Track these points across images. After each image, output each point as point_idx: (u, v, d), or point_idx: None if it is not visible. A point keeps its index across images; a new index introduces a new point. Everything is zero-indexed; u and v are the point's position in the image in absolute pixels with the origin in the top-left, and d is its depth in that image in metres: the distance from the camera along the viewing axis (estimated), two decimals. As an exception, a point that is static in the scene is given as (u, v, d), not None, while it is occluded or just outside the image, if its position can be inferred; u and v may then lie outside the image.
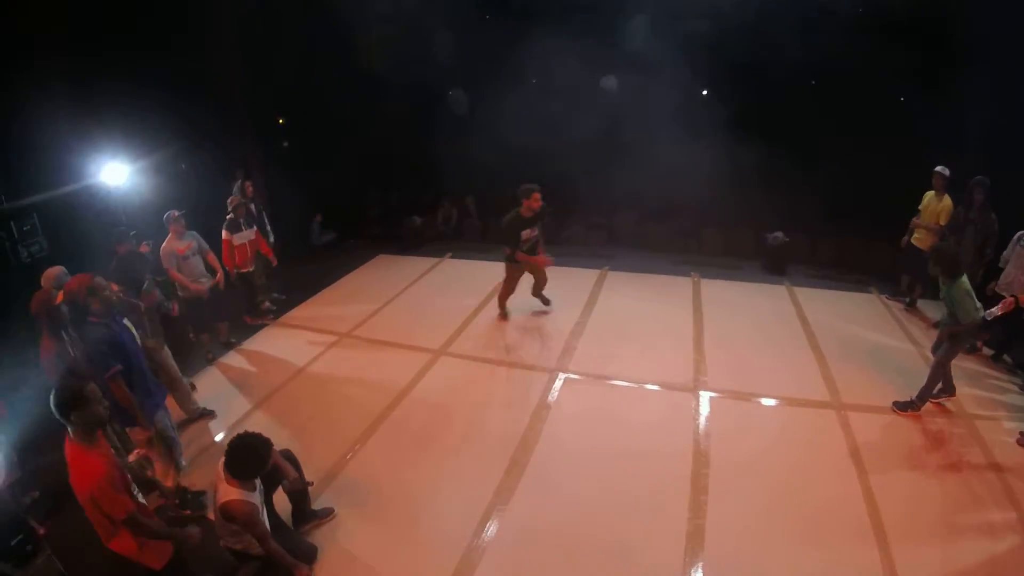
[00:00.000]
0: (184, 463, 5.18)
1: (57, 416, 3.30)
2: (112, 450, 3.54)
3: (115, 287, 5.39)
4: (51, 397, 3.29)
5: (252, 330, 8.20)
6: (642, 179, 10.33)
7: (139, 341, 4.88)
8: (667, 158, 9.78)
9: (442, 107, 12.44)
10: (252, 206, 8.41)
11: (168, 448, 4.93)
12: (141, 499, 3.64)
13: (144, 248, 6.75)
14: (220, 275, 7.31)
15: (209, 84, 9.44)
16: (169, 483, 4.84)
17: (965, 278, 5.66)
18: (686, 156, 9.91)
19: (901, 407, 6.08)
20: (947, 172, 7.90)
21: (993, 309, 5.55)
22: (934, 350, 6.28)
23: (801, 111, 10.74)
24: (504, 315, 8.20)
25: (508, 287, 7.98)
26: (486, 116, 11.16)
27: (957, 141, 8.43)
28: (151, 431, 4.71)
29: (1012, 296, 5.48)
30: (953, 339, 5.82)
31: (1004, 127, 7.97)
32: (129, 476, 3.55)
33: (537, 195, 7.27)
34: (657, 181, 10.46)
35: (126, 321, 4.75)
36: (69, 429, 3.35)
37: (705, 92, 11.72)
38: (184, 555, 3.83)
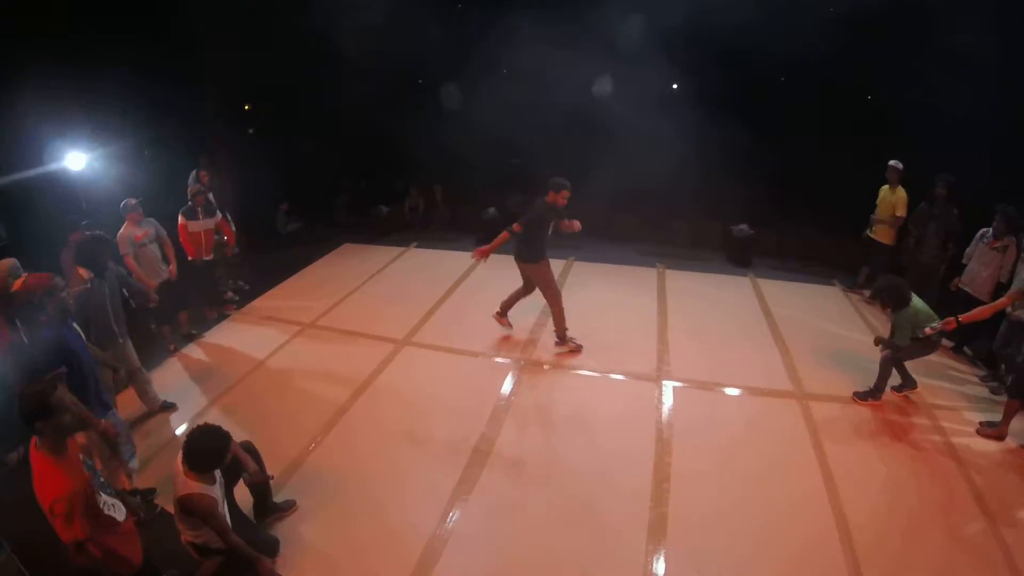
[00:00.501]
0: (135, 464, 5.06)
1: (23, 425, 3.19)
2: (82, 463, 3.42)
3: (83, 272, 5.33)
4: (16, 406, 3.19)
5: (214, 320, 8.08)
6: (610, 170, 10.36)
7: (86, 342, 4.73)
8: (636, 149, 9.83)
9: (411, 96, 12.36)
10: (211, 195, 8.28)
11: (113, 450, 4.78)
12: (111, 512, 3.44)
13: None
14: (173, 267, 7.16)
15: (174, 70, 9.25)
16: (123, 485, 4.75)
17: (912, 305, 5.86)
18: (655, 147, 9.97)
19: (861, 396, 6.24)
20: (900, 166, 8.13)
21: (933, 326, 5.71)
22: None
23: (771, 106, 10.88)
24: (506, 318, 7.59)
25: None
26: (455, 105, 11.13)
27: (922, 138, 8.56)
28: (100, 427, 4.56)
29: (954, 317, 5.63)
30: (890, 347, 6.05)
31: (971, 124, 8.12)
32: (97, 490, 3.43)
33: (567, 193, 6.80)
34: (625, 172, 10.50)
35: (76, 325, 4.64)
36: (36, 437, 3.22)
37: (675, 85, 11.79)
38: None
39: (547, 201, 6.76)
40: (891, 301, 5.92)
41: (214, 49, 9.95)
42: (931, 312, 5.92)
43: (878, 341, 6.18)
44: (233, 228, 8.65)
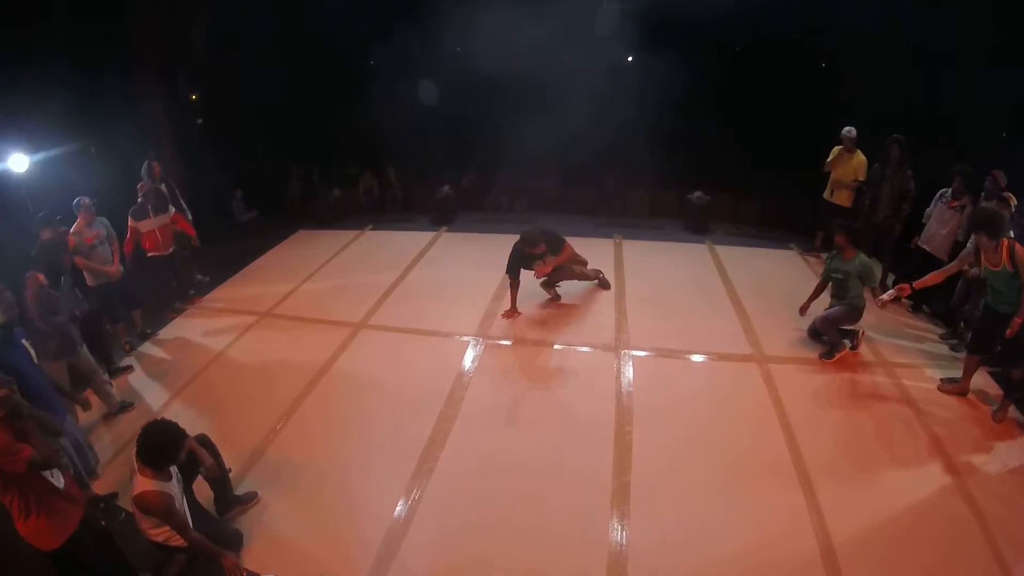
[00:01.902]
0: (99, 472, 5.06)
1: None
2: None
3: (41, 278, 5.25)
4: None
5: (170, 316, 7.99)
6: (565, 143, 10.40)
7: (35, 360, 4.63)
8: (590, 122, 9.88)
9: (361, 78, 12.19)
10: (164, 187, 8.14)
11: (74, 469, 4.69)
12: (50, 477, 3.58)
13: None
14: (115, 267, 6.94)
15: (119, 62, 9.04)
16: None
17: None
18: (609, 119, 10.05)
19: (827, 356, 6.39)
20: (853, 133, 8.24)
21: (885, 296, 5.89)
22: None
23: (726, 74, 10.97)
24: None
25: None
26: (406, 85, 11.03)
27: (876, 105, 8.77)
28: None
29: (908, 284, 5.83)
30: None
31: (928, 86, 8.31)
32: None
33: (538, 249, 7.03)
34: (580, 145, 10.56)
35: (25, 342, 4.57)
36: None
37: (630, 58, 11.81)
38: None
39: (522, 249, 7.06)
40: (848, 237, 6.22)
41: (160, 41, 9.74)
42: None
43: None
44: (190, 219, 8.52)
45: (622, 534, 4.42)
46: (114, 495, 4.91)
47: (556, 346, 6.80)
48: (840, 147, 8.46)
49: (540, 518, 4.57)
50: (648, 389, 6.01)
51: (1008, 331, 5.19)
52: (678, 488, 4.83)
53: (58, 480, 3.63)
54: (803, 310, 6.73)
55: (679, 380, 6.21)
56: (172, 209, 7.90)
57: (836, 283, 6.37)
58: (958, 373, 6.01)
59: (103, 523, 4.46)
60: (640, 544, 4.34)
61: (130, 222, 7.44)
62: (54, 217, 6.32)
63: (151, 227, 7.54)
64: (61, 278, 5.47)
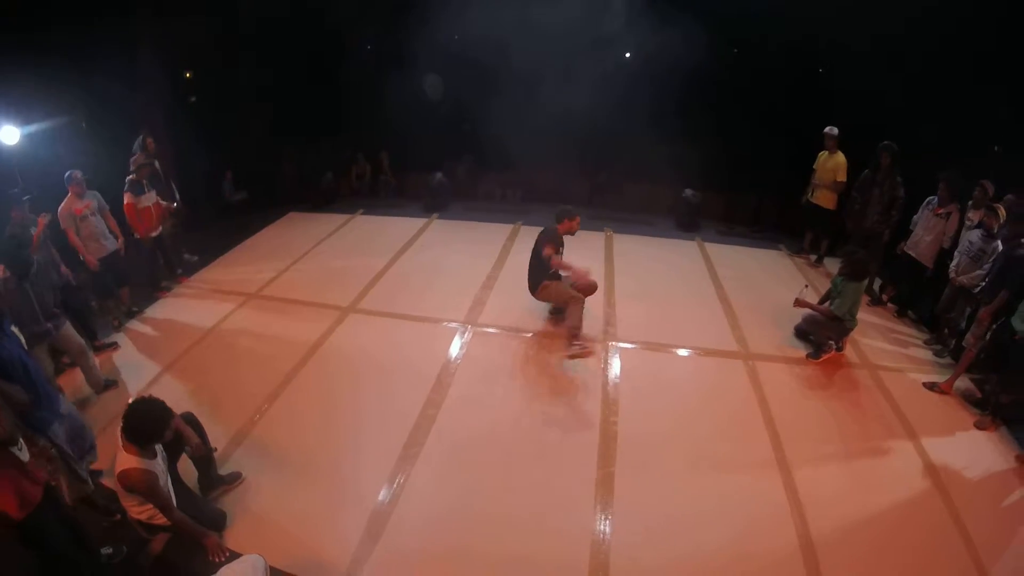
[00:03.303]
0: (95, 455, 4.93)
1: None
2: None
3: (1, 269, 5.15)
4: None
5: (157, 296, 7.93)
6: (561, 135, 10.39)
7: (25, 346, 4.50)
8: (587, 116, 9.89)
9: (357, 62, 12.12)
10: (157, 164, 8.06)
11: (66, 461, 4.44)
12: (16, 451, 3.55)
13: (42, 220, 6.26)
14: (121, 241, 7.10)
15: (112, 38, 8.92)
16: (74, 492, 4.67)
17: (863, 284, 6.30)
18: (606, 114, 10.05)
19: (814, 356, 6.46)
20: (835, 131, 8.33)
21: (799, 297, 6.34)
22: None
23: (724, 72, 10.96)
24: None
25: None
26: (402, 72, 10.96)
27: (867, 108, 8.76)
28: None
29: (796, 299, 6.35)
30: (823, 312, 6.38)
31: (916, 90, 8.33)
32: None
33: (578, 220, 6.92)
34: (576, 139, 10.58)
35: (14, 328, 4.45)
36: None
37: (628, 54, 11.78)
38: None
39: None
40: (851, 269, 6.19)
41: (154, 17, 9.62)
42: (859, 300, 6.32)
43: (799, 303, 6.46)
44: (177, 199, 8.47)
45: (605, 524, 4.47)
46: (98, 473, 4.82)
47: (545, 335, 6.82)
48: (825, 152, 8.52)
49: (524, 506, 4.61)
50: (634, 381, 6.06)
51: None
52: (662, 479, 4.88)
53: (23, 454, 3.59)
54: (797, 303, 6.55)
55: (665, 373, 6.26)
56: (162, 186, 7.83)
57: (834, 299, 6.42)
58: (941, 378, 6.13)
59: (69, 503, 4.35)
60: (623, 534, 4.39)
61: (127, 198, 7.35)
62: (23, 197, 6.19)
63: (148, 203, 7.50)
64: (27, 275, 5.27)
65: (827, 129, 8.40)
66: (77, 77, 8.15)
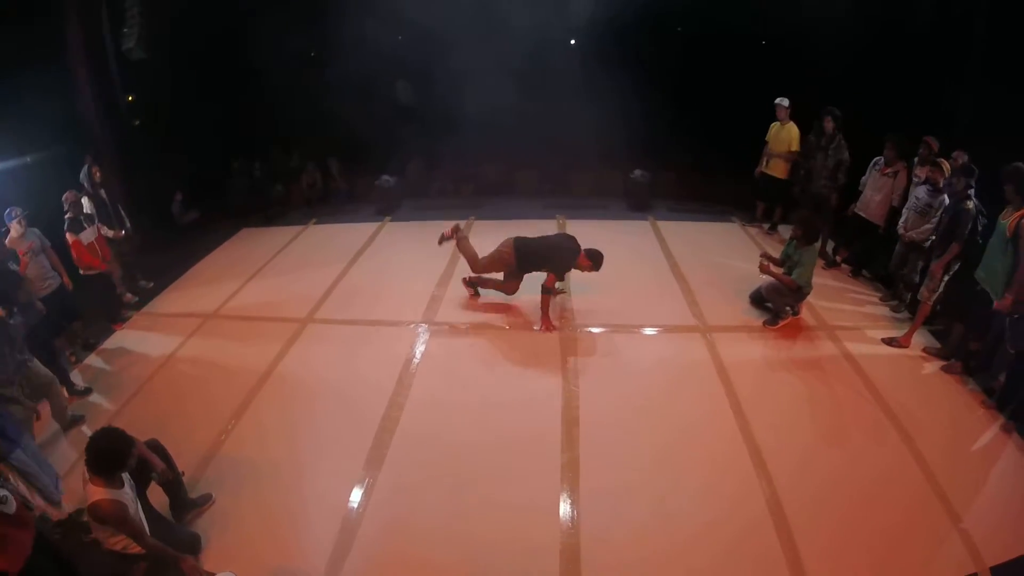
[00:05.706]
0: (62, 490, 4.92)
1: None
2: None
3: None
4: None
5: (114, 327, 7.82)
6: (507, 127, 10.46)
7: None
8: (532, 105, 9.99)
9: (297, 70, 12.03)
10: (103, 192, 7.94)
11: (30, 484, 4.58)
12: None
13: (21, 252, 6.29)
14: (66, 279, 6.98)
15: (47, 60, 8.77)
16: (53, 515, 4.68)
17: (817, 248, 6.46)
18: (551, 102, 10.14)
19: (771, 323, 6.66)
20: (786, 102, 8.50)
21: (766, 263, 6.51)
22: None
23: (665, 52, 11.12)
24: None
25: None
26: (343, 75, 10.92)
27: (813, 77, 8.98)
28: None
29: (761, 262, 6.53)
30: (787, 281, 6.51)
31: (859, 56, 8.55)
32: None
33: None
34: (523, 128, 10.65)
35: None
36: None
37: (573, 41, 11.89)
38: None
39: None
40: (804, 230, 6.38)
41: (93, 41, 9.46)
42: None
43: (764, 268, 6.59)
44: (128, 227, 8.38)
45: (573, 508, 4.57)
46: (80, 512, 4.79)
47: (500, 327, 6.93)
48: (777, 123, 8.71)
49: (491, 496, 4.70)
50: (594, 364, 6.20)
51: (996, 304, 5.25)
52: (628, 460, 5.00)
53: (9, 507, 3.57)
54: (762, 268, 6.68)
55: (626, 354, 6.40)
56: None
57: (788, 267, 6.59)
58: (899, 332, 6.35)
59: (59, 540, 4.43)
60: (591, 514, 4.51)
61: (69, 238, 7.18)
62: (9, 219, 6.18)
63: (91, 237, 7.37)
64: (13, 311, 5.29)
65: (778, 100, 8.59)
66: (17, 110, 7.98)
